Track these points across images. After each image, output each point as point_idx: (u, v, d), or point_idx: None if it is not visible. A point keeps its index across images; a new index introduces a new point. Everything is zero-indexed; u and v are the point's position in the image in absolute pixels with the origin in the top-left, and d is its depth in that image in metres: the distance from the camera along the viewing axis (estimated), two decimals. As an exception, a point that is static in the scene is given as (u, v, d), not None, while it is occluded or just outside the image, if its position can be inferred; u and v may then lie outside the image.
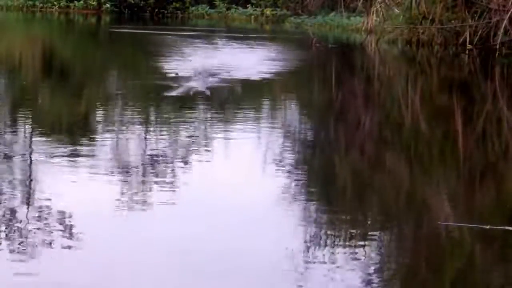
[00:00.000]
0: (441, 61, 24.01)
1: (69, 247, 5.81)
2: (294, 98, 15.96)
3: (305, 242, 6.15)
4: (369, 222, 6.87)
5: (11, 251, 5.70)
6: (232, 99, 14.70)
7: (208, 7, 45.57)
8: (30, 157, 8.81)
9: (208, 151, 9.59)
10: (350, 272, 5.52)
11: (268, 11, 43.93)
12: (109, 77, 18.91)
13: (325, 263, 5.68)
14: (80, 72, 19.49)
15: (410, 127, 12.44)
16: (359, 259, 5.78)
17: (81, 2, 44.34)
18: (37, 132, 10.49)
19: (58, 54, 24.46)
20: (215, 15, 44.79)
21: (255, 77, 17.10)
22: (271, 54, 22.53)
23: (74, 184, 7.64)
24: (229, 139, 10.53)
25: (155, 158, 8.99)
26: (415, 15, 26.80)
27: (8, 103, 13.23)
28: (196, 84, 14.86)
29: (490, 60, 22.68)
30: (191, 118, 11.92)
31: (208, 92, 14.01)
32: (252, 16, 44.17)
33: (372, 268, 5.67)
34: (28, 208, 6.72)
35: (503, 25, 23.59)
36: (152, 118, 12.23)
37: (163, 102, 13.45)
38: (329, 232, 6.47)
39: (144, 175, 8.17)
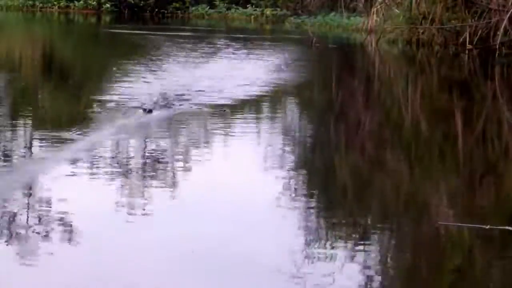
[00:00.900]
0: (441, 61, 23.99)
1: (69, 247, 5.81)
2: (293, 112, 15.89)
3: (305, 242, 6.15)
4: (369, 222, 6.87)
5: (11, 251, 5.71)
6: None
7: (208, 7, 45.50)
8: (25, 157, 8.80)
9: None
10: (350, 272, 5.52)
11: (268, 11, 43.85)
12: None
13: (325, 263, 5.68)
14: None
15: (410, 127, 12.44)
16: (359, 259, 5.78)
17: (81, 2, 44.29)
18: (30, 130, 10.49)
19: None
20: (215, 15, 44.71)
21: (240, 98, 13.54)
22: (269, 60, 19.91)
23: (74, 184, 7.65)
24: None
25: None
26: (415, 15, 26.77)
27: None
28: (125, 132, 9.37)
29: (490, 60, 22.65)
30: None
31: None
32: (252, 16, 44.09)
33: (373, 268, 5.68)
34: (28, 210, 6.71)
35: (503, 25, 23.56)
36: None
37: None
38: (329, 232, 6.47)
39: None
